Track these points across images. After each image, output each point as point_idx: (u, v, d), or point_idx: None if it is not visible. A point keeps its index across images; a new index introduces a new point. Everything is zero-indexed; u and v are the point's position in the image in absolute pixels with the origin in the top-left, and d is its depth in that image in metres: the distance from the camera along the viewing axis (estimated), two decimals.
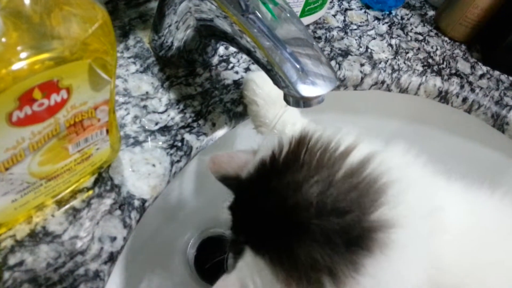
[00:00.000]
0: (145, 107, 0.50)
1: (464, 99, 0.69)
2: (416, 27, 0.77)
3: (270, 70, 0.42)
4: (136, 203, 0.43)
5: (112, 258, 0.39)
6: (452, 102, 0.69)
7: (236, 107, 0.54)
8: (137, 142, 0.47)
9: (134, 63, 0.54)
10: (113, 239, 0.40)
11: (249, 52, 0.44)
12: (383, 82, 0.66)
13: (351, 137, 0.34)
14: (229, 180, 0.39)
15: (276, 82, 0.43)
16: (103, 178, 0.43)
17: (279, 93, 0.51)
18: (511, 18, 0.72)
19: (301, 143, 0.34)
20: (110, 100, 0.35)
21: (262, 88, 0.51)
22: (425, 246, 0.31)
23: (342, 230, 0.29)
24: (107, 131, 0.39)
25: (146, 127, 0.48)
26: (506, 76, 0.74)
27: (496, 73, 0.74)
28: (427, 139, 0.75)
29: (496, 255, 0.33)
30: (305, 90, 0.41)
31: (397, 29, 0.75)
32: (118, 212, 0.41)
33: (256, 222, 0.34)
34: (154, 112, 0.50)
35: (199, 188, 0.67)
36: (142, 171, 0.45)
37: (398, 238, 0.29)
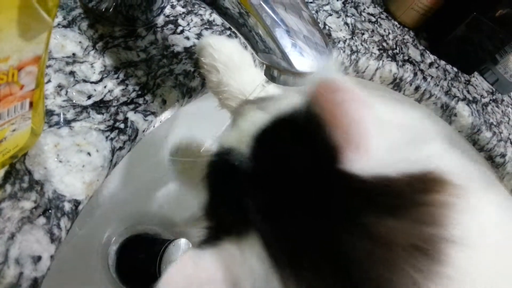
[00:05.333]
0: (72, 73, 0.37)
1: (417, 88, 0.66)
2: (368, 7, 0.72)
3: (249, 33, 0.33)
4: (67, 206, 0.31)
5: (36, 287, 0.27)
6: (405, 90, 0.66)
7: (191, 81, 0.43)
8: (65, 122, 0.34)
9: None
10: (37, 259, 0.28)
11: (224, 12, 0.34)
12: (341, 63, 0.60)
13: None
14: None
15: (256, 49, 0.34)
16: (17, 172, 0.30)
17: (241, 55, 0.42)
18: (459, 11, 0.71)
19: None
20: (43, 57, 0.23)
21: (221, 51, 0.41)
22: None
23: None
24: (31, 105, 0.26)
25: (75, 101, 0.36)
26: (450, 66, 0.73)
27: (443, 62, 0.73)
28: None
29: None
30: (301, 63, 0.32)
31: (350, 7, 0.69)
32: (42, 220, 0.29)
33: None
34: (85, 81, 0.37)
35: (124, 179, 0.55)
36: (73, 162, 0.32)
37: None
